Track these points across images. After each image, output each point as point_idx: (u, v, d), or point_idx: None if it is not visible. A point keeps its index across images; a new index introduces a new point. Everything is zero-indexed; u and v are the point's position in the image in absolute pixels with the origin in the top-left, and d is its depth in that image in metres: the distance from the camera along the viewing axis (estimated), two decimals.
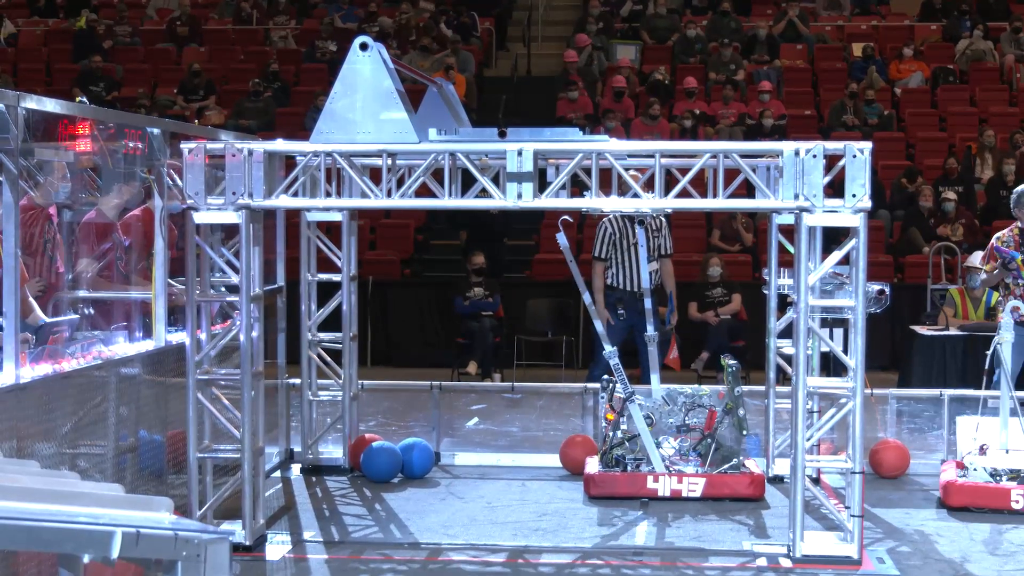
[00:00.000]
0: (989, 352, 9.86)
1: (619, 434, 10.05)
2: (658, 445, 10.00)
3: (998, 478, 9.51)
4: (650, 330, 10.52)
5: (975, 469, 9.56)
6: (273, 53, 23.62)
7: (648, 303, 10.67)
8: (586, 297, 10.12)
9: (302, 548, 8.60)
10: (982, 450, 9.73)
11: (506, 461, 11.11)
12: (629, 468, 9.91)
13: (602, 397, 10.23)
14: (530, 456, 11.13)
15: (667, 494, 9.74)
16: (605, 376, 10.18)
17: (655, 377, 10.34)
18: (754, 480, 9.86)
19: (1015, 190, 11.79)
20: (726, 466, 9.92)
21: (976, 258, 14.12)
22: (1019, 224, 11.50)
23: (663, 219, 12.12)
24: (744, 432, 9.99)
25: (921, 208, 18.31)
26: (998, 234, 11.71)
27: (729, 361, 10.15)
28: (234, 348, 8.49)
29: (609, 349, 10.02)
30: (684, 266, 15.23)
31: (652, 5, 24.39)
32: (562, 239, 9.77)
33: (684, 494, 9.77)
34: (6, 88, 7.18)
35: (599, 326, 10.33)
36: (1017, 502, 9.42)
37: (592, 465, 10.10)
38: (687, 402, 10.18)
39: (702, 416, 10.13)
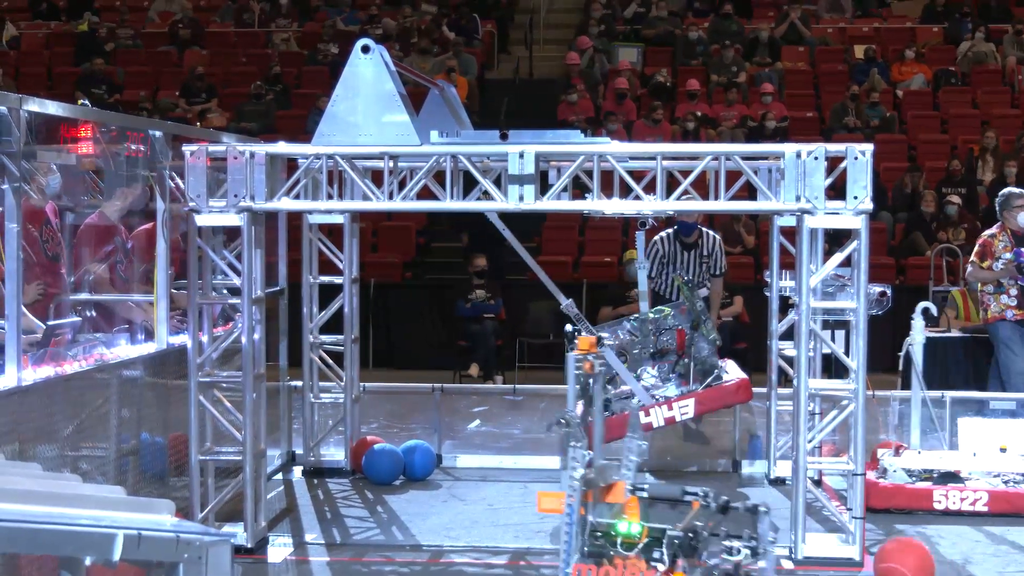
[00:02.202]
0: (901, 354, 9.93)
1: None
2: (638, 378, 9.92)
3: (915, 479, 9.53)
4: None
5: (894, 471, 9.56)
6: (275, 56, 23.63)
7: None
8: None
9: (304, 550, 8.60)
10: (897, 451, 9.72)
11: (508, 463, 11.10)
12: (616, 410, 9.81)
13: (570, 348, 10.07)
14: (532, 458, 11.11)
15: (662, 424, 9.67)
16: (569, 327, 9.97)
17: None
18: (740, 385, 9.82)
19: (1001, 192, 11.83)
20: (709, 379, 9.90)
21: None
22: (1009, 227, 11.53)
23: (715, 239, 11.93)
24: (716, 341, 9.97)
25: (923, 213, 18.31)
26: (990, 232, 11.72)
27: (685, 278, 10.17)
28: (236, 350, 8.50)
29: (566, 301, 9.82)
30: None
31: (654, 7, 24.38)
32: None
33: (678, 419, 9.73)
34: (8, 91, 7.20)
35: (546, 280, 10.14)
36: (939, 502, 9.46)
37: None
38: (654, 328, 10.11)
39: (672, 337, 10.07)
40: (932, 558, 7.92)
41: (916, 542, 8.14)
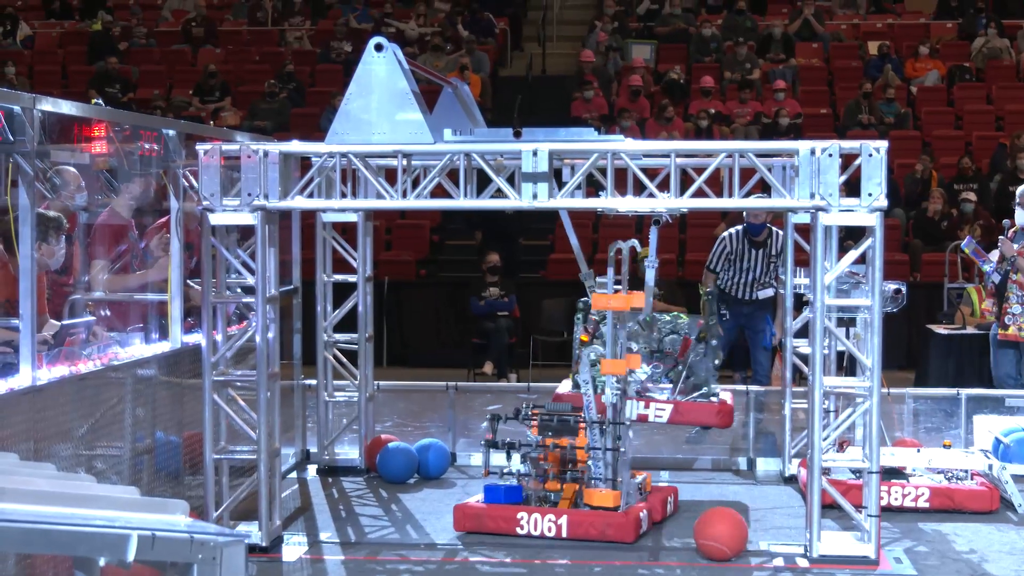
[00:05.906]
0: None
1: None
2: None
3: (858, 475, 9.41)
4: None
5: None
6: (288, 54, 23.66)
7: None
8: None
9: (318, 549, 8.60)
10: (841, 447, 9.50)
11: None
12: (599, 390, 9.73)
13: (578, 319, 10.08)
14: None
15: (633, 418, 9.57)
16: (583, 299, 9.91)
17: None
18: (722, 410, 9.78)
19: (1019, 190, 11.74)
20: (695, 394, 9.87)
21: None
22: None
23: (785, 239, 11.72)
24: (716, 363, 9.93)
25: (930, 211, 18.22)
26: None
27: (708, 289, 10.15)
28: (250, 349, 8.51)
29: (585, 271, 9.73)
30: (699, 266, 15.18)
31: (667, 4, 24.36)
32: None
33: (651, 419, 9.73)
34: (22, 90, 7.21)
35: (572, 239, 10.05)
36: (883, 499, 9.30)
37: (564, 387, 10.10)
38: (664, 328, 10.09)
39: (677, 343, 10.05)
40: (744, 525, 8.40)
41: (728, 511, 8.49)
